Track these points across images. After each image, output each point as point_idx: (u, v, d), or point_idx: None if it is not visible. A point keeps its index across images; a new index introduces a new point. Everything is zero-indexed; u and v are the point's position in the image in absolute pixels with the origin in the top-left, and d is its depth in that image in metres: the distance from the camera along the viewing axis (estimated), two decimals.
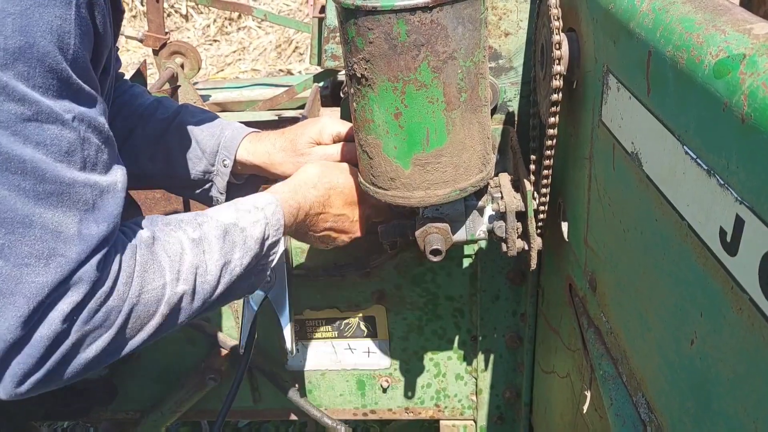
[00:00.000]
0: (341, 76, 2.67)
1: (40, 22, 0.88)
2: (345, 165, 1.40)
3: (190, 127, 1.50)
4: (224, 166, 1.49)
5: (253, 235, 1.19)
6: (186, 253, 1.10)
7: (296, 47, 6.94)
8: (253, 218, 1.20)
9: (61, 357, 0.97)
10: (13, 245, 0.91)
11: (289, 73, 6.50)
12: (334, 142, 1.47)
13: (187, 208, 2.25)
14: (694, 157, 0.75)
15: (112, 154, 1.03)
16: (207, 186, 1.53)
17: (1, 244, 0.90)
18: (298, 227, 1.34)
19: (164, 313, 1.07)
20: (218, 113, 2.64)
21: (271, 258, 1.26)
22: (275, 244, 1.24)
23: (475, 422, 1.94)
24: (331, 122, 1.48)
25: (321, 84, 2.58)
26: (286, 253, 1.61)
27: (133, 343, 1.07)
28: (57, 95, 0.91)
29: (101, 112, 1.00)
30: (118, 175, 1.03)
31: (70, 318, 0.96)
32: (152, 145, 1.50)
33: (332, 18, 1.56)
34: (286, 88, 2.81)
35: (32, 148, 0.89)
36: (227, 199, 1.56)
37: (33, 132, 0.89)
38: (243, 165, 1.51)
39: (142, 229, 1.10)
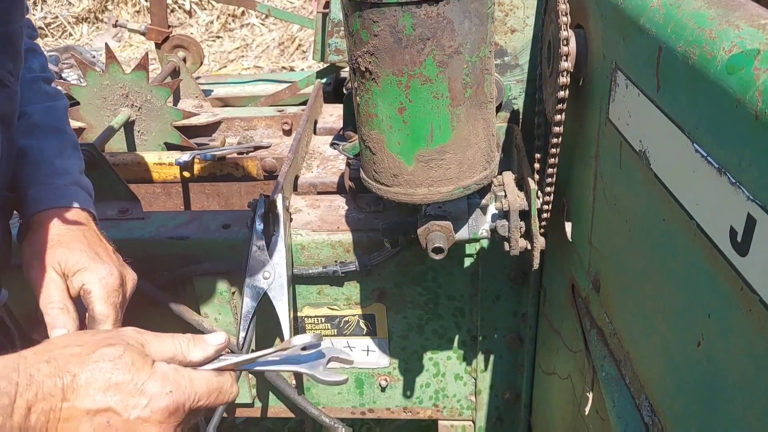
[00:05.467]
0: (344, 73, 2.66)
1: None
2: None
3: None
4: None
5: None
6: None
7: (299, 45, 6.92)
8: None
9: None
10: None
11: (292, 70, 6.49)
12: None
13: (186, 203, 2.24)
14: (705, 154, 0.74)
15: None
16: None
17: None
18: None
19: None
20: (220, 108, 2.64)
21: None
22: None
23: (474, 423, 1.92)
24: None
25: (324, 80, 2.57)
26: (287, 249, 1.60)
27: None
28: None
29: None
30: None
31: None
32: None
33: (337, 11, 1.54)
34: (289, 84, 2.80)
35: None
36: None
37: None
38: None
39: None
